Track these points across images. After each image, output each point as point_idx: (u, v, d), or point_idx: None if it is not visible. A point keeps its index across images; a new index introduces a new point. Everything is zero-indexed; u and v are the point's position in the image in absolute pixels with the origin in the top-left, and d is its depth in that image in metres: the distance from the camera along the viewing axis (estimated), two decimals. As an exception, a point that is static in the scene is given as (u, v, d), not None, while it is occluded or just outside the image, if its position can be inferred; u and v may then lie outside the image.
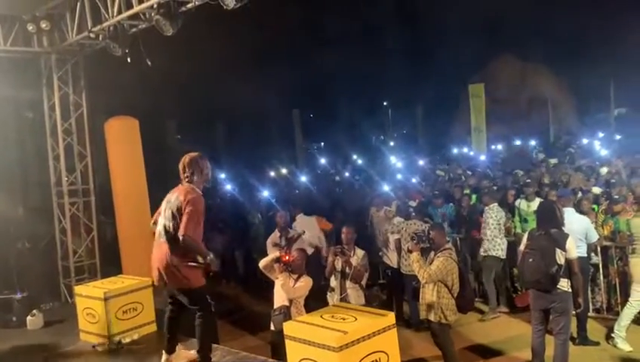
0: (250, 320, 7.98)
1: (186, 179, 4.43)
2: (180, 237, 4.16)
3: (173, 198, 4.37)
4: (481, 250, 7.90)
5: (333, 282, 6.00)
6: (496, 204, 7.99)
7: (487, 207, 7.98)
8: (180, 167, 4.46)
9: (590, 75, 26.78)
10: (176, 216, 4.27)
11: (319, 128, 34.01)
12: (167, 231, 4.34)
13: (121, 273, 7.20)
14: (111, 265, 8.41)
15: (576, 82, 28.65)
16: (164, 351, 4.68)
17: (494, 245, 7.76)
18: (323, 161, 23.60)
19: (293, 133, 28.40)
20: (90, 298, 5.76)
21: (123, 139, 8.25)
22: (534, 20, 27.58)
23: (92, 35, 7.13)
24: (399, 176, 14.52)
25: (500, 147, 23.08)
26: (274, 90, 26.48)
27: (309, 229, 7.88)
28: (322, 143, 34.68)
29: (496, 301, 7.83)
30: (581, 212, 7.03)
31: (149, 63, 6.76)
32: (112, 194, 8.42)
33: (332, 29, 29.47)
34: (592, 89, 28.00)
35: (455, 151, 23.57)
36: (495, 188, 10.09)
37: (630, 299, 6.45)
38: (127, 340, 5.59)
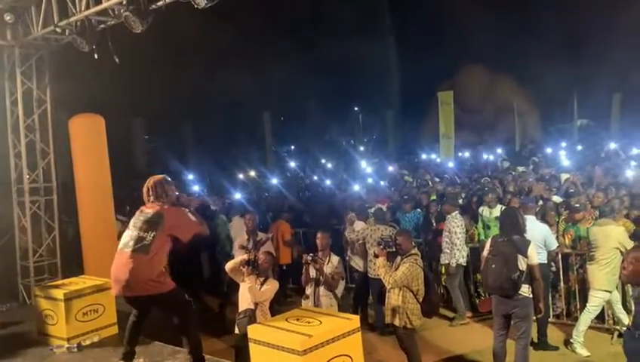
0: (214, 323, 7.88)
1: (156, 199, 4.49)
2: (196, 232, 4.47)
3: (150, 213, 4.41)
4: (442, 257, 7.95)
5: (308, 289, 5.95)
6: (457, 211, 8.03)
7: (449, 215, 8.01)
8: (145, 190, 4.53)
9: (555, 86, 27.57)
10: (153, 225, 4.33)
11: (289, 131, 34.00)
12: (137, 242, 4.32)
13: (82, 274, 7.03)
14: (72, 265, 8.21)
15: (542, 93, 29.44)
16: (120, 361, 4.61)
17: (455, 252, 7.78)
18: (293, 164, 23.55)
19: (264, 135, 28.30)
20: (50, 299, 5.61)
21: (88, 136, 8.05)
22: (502, 31, 28.17)
23: (58, 30, 6.96)
24: (370, 180, 14.64)
25: (467, 154, 23.46)
26: (245, 91, 26.36)
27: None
28: (292, 147, 34.63)
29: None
30: (544, 221, 7.19)
31: (117, 61, 6.63)
32: (74, 193, 8.22)
33: (305, 33, 29.54)
34: (556, 100, 28.79)
35: (424, 156, 23.86)
36: (463, 195, 10.25)
37: (587, 304, 6.63)
38: (88, 342, 5.46)
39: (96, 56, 6.69)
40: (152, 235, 4.33)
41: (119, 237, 4.73)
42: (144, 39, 6.93)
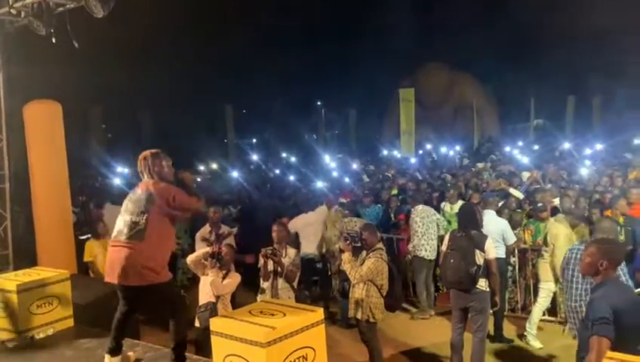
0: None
1: (147, 176, 4.23)
2: (194, 211, 4.34)
3: (139, 193, 4.15)
4: (409, 250, 8.04)
5: (265, 283, 5.90)
6: (421, 205, 8.16)
7: (413, 209, 8.14)
8: (139, 163, 4.28)
9: (512, 86, 28.32)
10: (144, 206, 4.06)
11: (251, 125, 33.73)
12: (131, 228, 4.07)
13: (35, 265, 6.78)
14: (22, 258, 7.90)
15: (500, 93, 30.21)
16: (106, 354, 4.31)
17: (420, 246, 7.90)
18: (255, 157, 23.39)
19: (225, 127, 27.97)
20: (1, 291, 5.39)
21: (44, 124, 7.73)
22: (463, 31, 28.73)
23: (13, 12, 6.68)
24: (335, 174, 14.72)
25: (429, 146, 23.86)
26: (206, 83, 25.99)
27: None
28: (254, 140, 34.40)
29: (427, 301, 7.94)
30: (500, 215, 7.37)
31: (76, 45, 6.41)
32: (28, 183, 7.91)
33: (268, 27, 29.31)
34: (513, 100, 29.55)
35: (385, 152, 24.10)
36: (429, 190, 10.41)
37: (537, 297, 6.87)
38: (41, 336, 5.28)
39: (53, 40, 6.44)
40: (144, 218, 4.06)
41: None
42: (104, 25, 6.73)
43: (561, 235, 6.51)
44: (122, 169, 15.95)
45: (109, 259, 4.16)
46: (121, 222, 4.17)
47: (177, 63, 24.36)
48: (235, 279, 5.42)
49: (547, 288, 6.79)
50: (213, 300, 5.27)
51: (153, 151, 4.33)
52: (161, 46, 22.60)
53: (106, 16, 6.01)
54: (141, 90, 24.58)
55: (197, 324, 5.29)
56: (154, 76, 23.73)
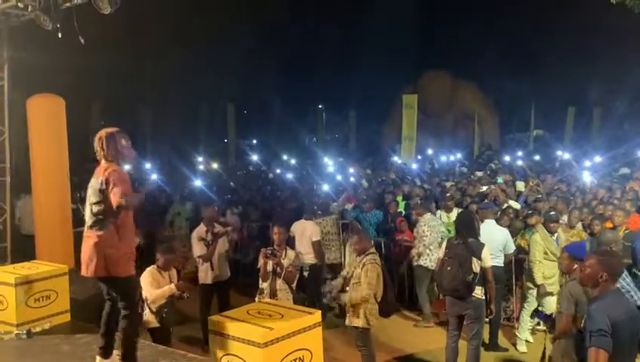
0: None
1: (103, 158, 4.05)
2: (115, 208, 3.84)
3: (93, 182, 4.03)
4: (414, 259, 7.95)
5: (263, 284, 5.93)
6: (429, 214, 8.07)
7: (420, 218, 8.01)
8: (95, 144, 4.08)
9: (514, 96, 28.44)
10: (101, 196, 3.94)
11: (253, 125, 33.73)
12: (92, 216, 4.01)
13: (34, 258, 6.79)
14: (20, 251, 7.91)
15: (501, 102, 30.32)
16: (97, 356, 4.22)
17: (425, 255, 7.81)
18: (255, 157, 23.40)
19: (227, 127, 27.96)
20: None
21: (47, 118, 7.76)
22: (467, 40, 28.91)
23: (20, 5, 6.69)
24: (339, 178, 14.73)
25: (430, 152, 23.93)
26: (209, 81, 25.99)
27: None
28: (254, 141, 34.41)
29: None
30: (501, 225, 7.38)
31: (82, 42, 6.43)
32: (29, 176, 7.92)
33: (271, 28, 29.31)
34: (514, 110, 29.66)
35: (387, 157, 24.13)
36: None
37: (524, 302, 6.94)
38: (38, 329, 5.29)
39: (60, 36, 6.46)
40: (102, 207, 3.94)
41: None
42: (110, 21, 6.75)
43: (536, 243, 6.63)
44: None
45: (82, 252, 4.12)
46: (86, 213, 4.12)
47: (180, 61, 24.32)
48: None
49: (530, 292, 6.88)
50: None
51: (109, 130, 4.13)
52: (163, 43, 22.57)
53: (111, 13, 6.04)
54: (142, 87, 24.57)
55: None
56: (156, 73, 23.73)
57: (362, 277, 5.44)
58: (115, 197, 3.83)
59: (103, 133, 4.10)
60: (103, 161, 4.05)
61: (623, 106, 27.65)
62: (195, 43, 24.54)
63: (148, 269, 5.46)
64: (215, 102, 28.24)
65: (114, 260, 3.98)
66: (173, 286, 5.37)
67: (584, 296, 4.24)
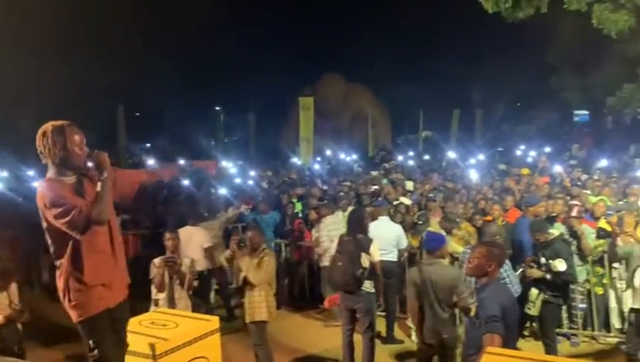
0: (57, 330, 7.22)
1: (49, 161, 3.17)
2: (79, 238, 3.04)
3: None
4: (320, 260, 7.99)
5: (159, 294, 5.69)
6: (329, 217, 8.06)
7: (322, 219, 8.01)
8: (37, 142, 3.18)
9: (404, 99, 29.91)
10: (47, 231, 3.14)
11: (146, 128, 32.39)
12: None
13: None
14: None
15: (393, 105, 31.78)
16: None
17: (326, 257, 7.75)
18: (151, 162, 22.47)
19: (116, 130, 26.55)
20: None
21: None
22: (361, 45, 29.97)
23: None
24: (238, 180, 14.57)
25: (329, 153, 24.36)
26: (97, 81, 24.64)
27: None
28: (148, 144, 33.05)
29: None
30: (394, 221, 7.68)
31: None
32: None
33: (167, 28, 28.41)
34: (405, 112, 31.15)
35: (286, 159, 24.27)
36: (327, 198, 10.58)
37: None
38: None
39: None
40: (47, 233, 3.15)
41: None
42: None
43: None
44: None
45: None
46: None
47: (66, 59, 22.79)
48: None
49: None
50: None
51: (57, 123, 3.16)
52: (44, 43, 21.09)
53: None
54: (22, 89, 22.78)
55: None
56: (41, 72, 22.12)
57: (262, 266, 5.56)
58: (70, 230, 3.05)
59: (49, 126, 3.15)
60: (50, 167, 3.20)
61: (501, 109, 30.09)
62: (85, 42, 23.18)
63: None
64: (103, 103, 26.71)
65: (69, 303, 3.22)
66: None
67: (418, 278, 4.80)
